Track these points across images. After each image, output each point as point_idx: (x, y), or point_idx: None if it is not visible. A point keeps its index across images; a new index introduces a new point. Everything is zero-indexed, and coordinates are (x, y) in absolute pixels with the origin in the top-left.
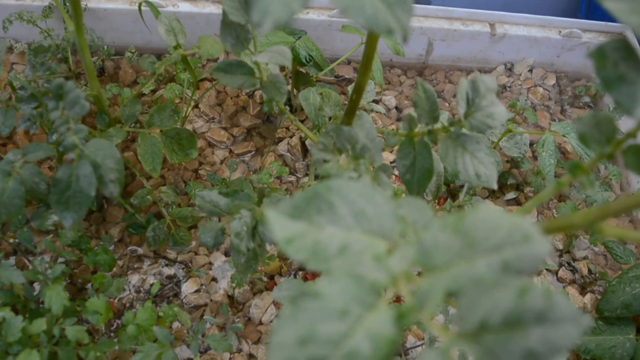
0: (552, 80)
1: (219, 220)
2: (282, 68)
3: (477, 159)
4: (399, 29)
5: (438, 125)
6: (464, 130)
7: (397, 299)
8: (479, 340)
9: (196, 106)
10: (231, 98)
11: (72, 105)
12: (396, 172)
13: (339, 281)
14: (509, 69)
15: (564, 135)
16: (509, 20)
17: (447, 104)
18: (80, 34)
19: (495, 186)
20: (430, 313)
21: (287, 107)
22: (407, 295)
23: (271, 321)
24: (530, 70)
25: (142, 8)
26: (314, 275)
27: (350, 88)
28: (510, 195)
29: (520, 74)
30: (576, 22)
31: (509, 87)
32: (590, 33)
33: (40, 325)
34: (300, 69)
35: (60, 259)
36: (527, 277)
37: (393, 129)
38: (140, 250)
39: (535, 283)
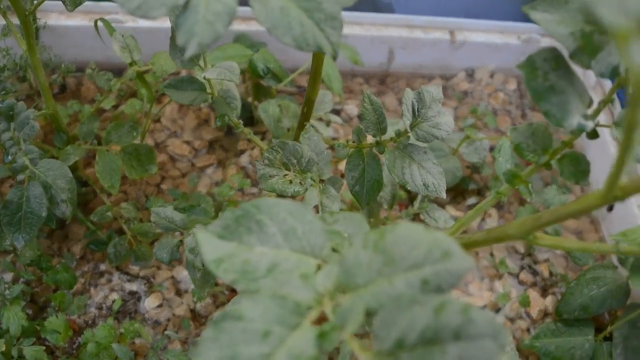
0: (513, 85)
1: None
2: (244, 80)
3: (425, 169)
4: (328, 47)
5: (386, 137)
6: (412, 141)
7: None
8: (396, 358)
9: (158, 120)
10: (193, 112)
11: (22, 126)
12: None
13: (262, 302)
14: (470, 75)
15: None
16: (469, 27)
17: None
18: (32, 53)
19: (444, 195)
20: (351, 331)
21: (244, 121)
22: (330, 315)
23: None
24: (492, 76)
25: (99, 25)
26: None
27: None
28: (472, 200)
29: (482, 80)
30: (535, 27)
31: (470, 92)
32: (548, 37)
33: None
34: (260, 82)
35: (22, 279)
36: (447, 294)
37: (343, 142)
38: (102, 267)
39: (453, 299)
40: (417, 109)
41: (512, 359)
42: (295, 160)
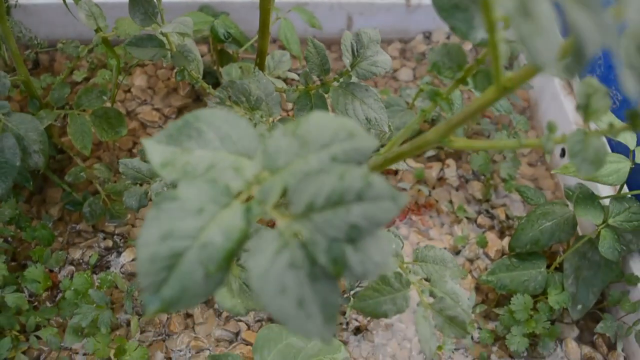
0: (469, 45)
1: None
2: (209, 50)
3: (367, 105)
4: None
5: (330, 78)
6: (354, 80)
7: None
8: (309, 219)
9: (128, 90)
10: (162, 81)
11: None
12: None
13: (197, 185)
14: (427, 37)
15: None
16: None
17: None
18: (2, 22)
19: (386, 129)
20: (272, 204)
21: (212, 84)
22: (255, 194)
23: None
24: (448, 37)
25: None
26: None
27: None
28: (430, 152)
29: (438, 41)
30: None
31: (428, 54)
32: None
33: None
34: (224, 48)
35: (1, 237)
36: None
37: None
38: (79, 227)
39: (356, 168)
40: (356, 49)
41: (455, 273)
42: (244, 98)
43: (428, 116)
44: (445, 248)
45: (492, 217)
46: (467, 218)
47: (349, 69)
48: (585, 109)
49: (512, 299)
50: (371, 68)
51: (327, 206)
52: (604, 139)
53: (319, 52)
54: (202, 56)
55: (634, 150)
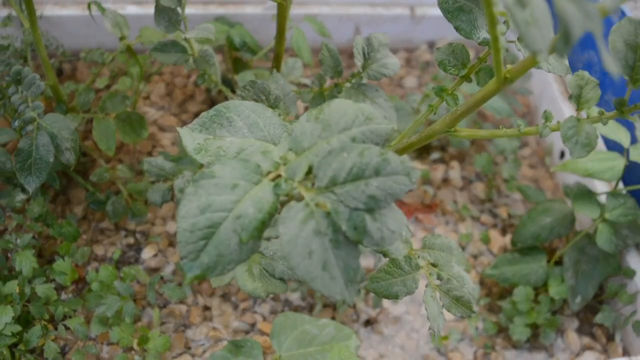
0: (471, 54)
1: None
2: (224, 60)
3: (377, 104)
4: None
5: (342, 80)
6: (365, 81)
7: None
8: (332, 192)
9: (147, 97)
10: (179, 89)
11: (29, 86)
12: None
13: (230, 164)
14: (432, 47)
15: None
16: (427, 2)
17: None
18: (34, 29)
19: (396, 126)
20: (299, 180)
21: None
22: (283, 172)
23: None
24: None
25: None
26: None
27: None
28: (435, 155)
29: None
30: None
31: (432, 62)
32: None
33: (12, 286)
34: (238, 56)
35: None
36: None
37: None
38: (102, 225)
39: (374, 146)
40: (367, 52)
41: (460, 260)
42: (264, 97)
43: (435, 111)
44: None
45: (494, 215)
46: (471, 217)
47: (361, 71)
48: (578, 99)
49: (514, 290)
50: (381, 69)
51: (348, 180)
52: (595, 127)
53: (332, 55)
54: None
55: (628, 149)
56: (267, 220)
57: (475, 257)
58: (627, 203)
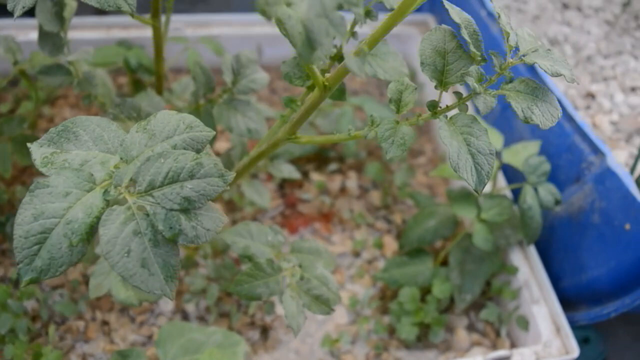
0: None
1: None
2: (128, 82)
3: (248, 117)
4: (126, 6)
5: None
6: (239, 96)
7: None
8: (151, 195)
9: (51, 120)
10: (84, 111)
11: None
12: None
13: (65, 174)
14: None
15: (360, 106)
16: None
17: (275, 96)
18: None
19: (261, 137)
20: (124, 186)
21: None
22: (112, 180)
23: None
24: None
25: None
26: None
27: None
28: (333, 166)
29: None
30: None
31: None
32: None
33: None
34: (138, 78)
35: None
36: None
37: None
38: (3, 246)
39: (190, 152)
40: (236, 69)
41: (328, 262)
42: (136, 114)
43: (286, 120)
44: (345, 252)
45: (389, 221)
46: (366, 224)
47: (230, 86)
48: (398, 103)
49: (400, 291)
50: (250, 84)
51: (165, 183)
52: (411, 129)
53: (204, 72)
54: (121, 86)
55: (500, 152)
56: (96, 224)
57: (369, 262)
58: (502, 203)
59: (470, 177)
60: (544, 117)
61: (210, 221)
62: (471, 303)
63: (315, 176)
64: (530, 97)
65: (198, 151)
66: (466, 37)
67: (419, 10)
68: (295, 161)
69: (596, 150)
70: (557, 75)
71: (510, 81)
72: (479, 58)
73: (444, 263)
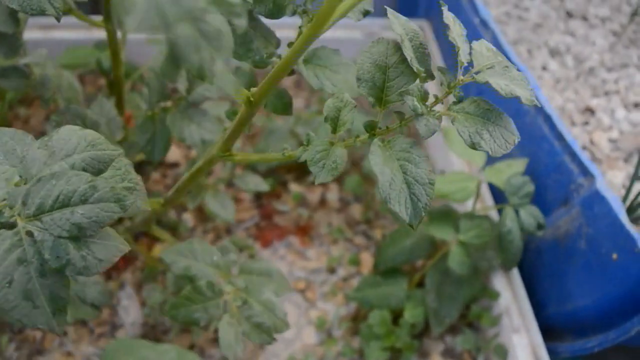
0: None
1: None
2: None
3: (203, 128)
4: (51, 10)
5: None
6: (195, 105)
7: None
8: (39, 219)
9: (27, 122)
10: None
11: None
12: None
13: None
14: None
15: None
16: None
17: None
18: None
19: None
20: (16, 207)
21: None
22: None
23: None
24: None
25: None
26: None
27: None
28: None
29: None
30: (377, 22)
31: None
32: (389, 31)
33: None
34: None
35: None
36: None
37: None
38: None
39: (85, 174)
40: (188, 76)
41: (281, 285)
42: (80, 122)
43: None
44: (320, 268)
45: (368, 237)
46: (344, 239)
47: (185, 94)
48: (335, 121)
49: (369, 314)
50: (204, 92)
51: (55, 208)
52: (346, 152)
53: (157, 77)
54: (100, 88)
55: (482, 170)
56: None
57: (345, 279)
58: (482, 225)
59: (404, 210)
60: (496, 142)
61: (104, 250)
62: (448, 327)
63: (294, 187)
64: (481, 120)
65: (100, 172)
66: (409, 51)
67: (414, 16)
68: (274, 171)
69: (586, 172)
70: (511, 96)
71: (460, 101)
72: (424, 75)
73: (421, 284)
